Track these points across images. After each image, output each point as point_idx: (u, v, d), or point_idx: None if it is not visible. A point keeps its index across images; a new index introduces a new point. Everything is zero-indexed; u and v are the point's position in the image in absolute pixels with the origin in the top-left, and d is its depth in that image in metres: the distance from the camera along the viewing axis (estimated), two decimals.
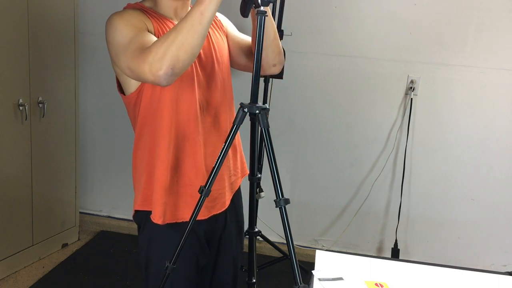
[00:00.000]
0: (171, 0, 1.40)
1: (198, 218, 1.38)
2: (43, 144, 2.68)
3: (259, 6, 1.26)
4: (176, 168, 1.39)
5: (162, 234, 1.41)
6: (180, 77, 1.32)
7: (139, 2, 1.42)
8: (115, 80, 1.43)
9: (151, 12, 1.37)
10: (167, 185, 1.37)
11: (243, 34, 1.59)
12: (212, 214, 1.47)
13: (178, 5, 1.41)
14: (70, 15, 2.67)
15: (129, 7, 1.38)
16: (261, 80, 2.49)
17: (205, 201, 1.36)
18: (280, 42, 1.49)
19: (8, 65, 2.40)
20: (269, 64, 1.49)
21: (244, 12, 1.32)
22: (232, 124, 1.31)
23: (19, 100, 2.47)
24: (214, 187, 1.39)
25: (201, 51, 1.40)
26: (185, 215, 1.40)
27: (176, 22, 1.39)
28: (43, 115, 2.63)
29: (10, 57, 2.41)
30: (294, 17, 2.76)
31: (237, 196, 1.60)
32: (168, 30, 1.33)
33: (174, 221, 1.40)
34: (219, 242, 1.55)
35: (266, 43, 1.41)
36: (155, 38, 1.27)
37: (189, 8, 1.46)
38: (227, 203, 1.52)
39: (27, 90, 2.52)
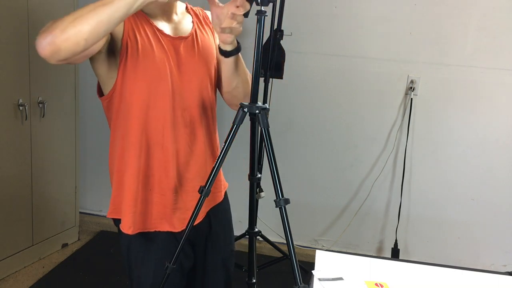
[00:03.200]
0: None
1: (175, 230, 1.37)
2: (43, 144, 2.68)
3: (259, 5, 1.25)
4: (147, 176, 1.35)
5: (136, 242, 1.39)
6: (151, 84, 1.28)
7: None
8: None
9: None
10: (137, 194, 1.34)
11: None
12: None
13: (164, 6, 1.33)
14: None
15: None
16: (261, 80, 2.49)
17: (178, 213, 1.36)
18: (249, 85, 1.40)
19: (8, 65, 2.40)
20: (232, 102, 1.47)
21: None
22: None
23: (19, 100, 2.47)
24: (186, 199, 1.38)
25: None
26: (157, 225, 1.38)
27: (162, 21, 1.34)
28: (43, 115, 2.63)
29: (10, 57, 2.41)
30: (294, 17, 2.76)
31: (221, 205, 1.54)
32: (143, 32, 1.28)
33: (146, 231, 1.38)
34: (206, 244, 1.51)
35: (237, 82, 1.39)
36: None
37: (176, 8, 1.39)
38: (203, 215, 1.46)
39: (27, 90, 2.52)
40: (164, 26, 1.34)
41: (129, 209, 1.34)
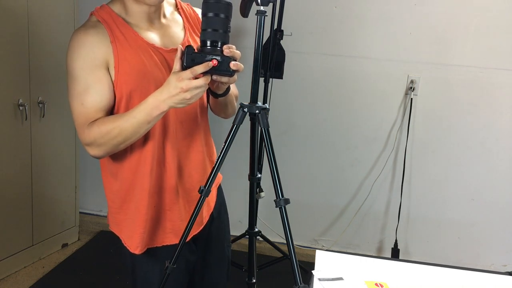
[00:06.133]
0: (141, 6, 1.26)
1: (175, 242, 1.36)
2: (43, 144, 2.68)
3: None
4: (155, 195, 1.34)
5: (141, 260, 1.39)
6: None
7: (108, 4, 1.29)
8: None
9: (119, 23, 1.25)
10: (147, 215, 1.33)
11: None
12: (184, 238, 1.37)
13: (149, 10, 1.27)
14: (70, 15, 2.68)
15: (96, 14, 1.27)
16: (261, 80, 2.49)
17: (185, 223, 1.33)
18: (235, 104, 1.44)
19: (8, 65, 2.40)
20: (218, 115, 1.47)
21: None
22: (232, 125, 1.29)
23: (19, 100, 2.47)
24: (190, 209, 1.36)
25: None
26: (165, 240, 1.38)
27: (150, 30, 1.29)
28: (43, 115, 2.63)
29: (10, 57, 2.41)
30: (294, 17, 2.76)
31: (217, 199, 1.55)
32: (133, 52, 1.23)
33: (153, 246, 1.38)
34: (207, 238, 1.51)
35: (224, 106, 1.38)
36: (99, 99, 1.25)
37: (163, 9, 1.33)
38: (205, 220, 1.47)
39: (27, 90, 2.52)
40: (152, 36, 1.29)
41: (139, 230, 1.34)
